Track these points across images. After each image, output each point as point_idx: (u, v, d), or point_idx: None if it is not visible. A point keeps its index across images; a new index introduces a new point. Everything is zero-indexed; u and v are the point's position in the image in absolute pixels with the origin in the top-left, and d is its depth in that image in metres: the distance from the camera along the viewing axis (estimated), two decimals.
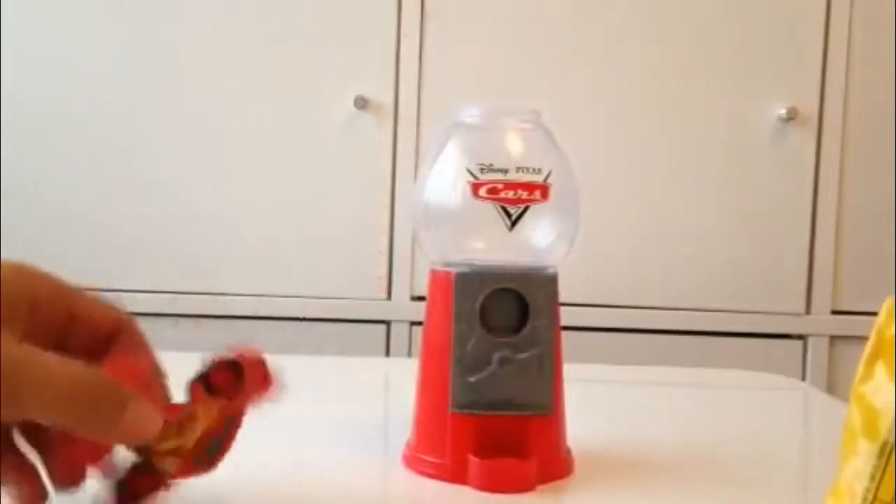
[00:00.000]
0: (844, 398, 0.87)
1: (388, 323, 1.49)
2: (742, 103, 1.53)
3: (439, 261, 0.56)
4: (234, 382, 0.43)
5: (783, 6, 1.53)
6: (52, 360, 0.37)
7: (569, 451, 0.57)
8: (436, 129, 0.59)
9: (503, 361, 0.52)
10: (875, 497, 0.36)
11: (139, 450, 0.41)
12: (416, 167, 1.47)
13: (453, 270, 0.54)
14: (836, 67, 1.53)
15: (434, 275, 0.56)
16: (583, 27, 1.52)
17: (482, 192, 0.53)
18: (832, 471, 0.39)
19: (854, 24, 1.52)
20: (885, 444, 0.35)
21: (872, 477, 0.36)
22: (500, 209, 0.53)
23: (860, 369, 0.39)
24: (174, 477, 0.42)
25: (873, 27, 1.53)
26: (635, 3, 1.52)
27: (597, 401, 0.78)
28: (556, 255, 0.55)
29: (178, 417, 0.41)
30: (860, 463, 0.37)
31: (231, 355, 0.43)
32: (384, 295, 1.49)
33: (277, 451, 0.60)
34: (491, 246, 0.55)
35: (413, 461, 0.56)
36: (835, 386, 1.53)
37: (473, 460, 0.52)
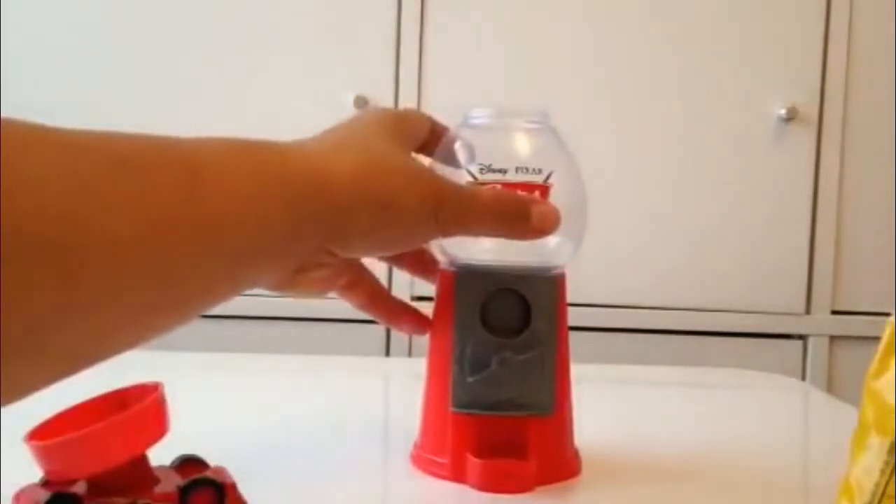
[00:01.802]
0: (844, 398, 0.87)
1: None
2: (742, 103, 1.53)
3: (445, 261, 0.56)
4: None
5: (783, 6, 1.53)
6: (471, 188, 0.49)
7: (576, 452, 0.57)
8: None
9: (502, 362, 0.52)
10: (884, 493, 0.36)
11: None
12: None
13: (455, 270, 0.54)
14: (836, 67, 1.52)
15: (441, 274, 0.56)
16: (583, 28, 1.52)
17: None
18: (832, 470, 0.39)
19: (854, 24, 1.52)
20: None
21: (882, 472, 0.36)
22: None
23: (874, 364, 0.39)
24: None
25: (873, 27, 1.53)
26: (636, 4, 1.52)
27: (597, 401, 0.77)
28: (560, 256, 0.55)
29: None
30: (870, 458, 0.36)
31: (212, 476, 0.43)
32: None
33: (277, 451, 0.60)
34: (491, 246, 0.55)
35: (420, 460, 0.56)
36: (835, 386, 1.53)
37: (472, 460, 0.52)
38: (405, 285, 1.48)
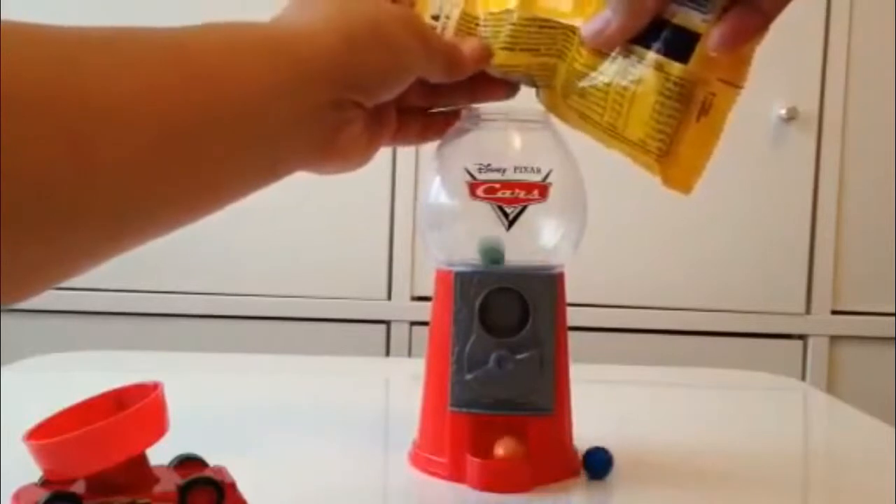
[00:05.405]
0: (844, 398, 0.87)
1: (388, 323, 1.49)
2: (742, 103, 1.52)
3: (444, 261, 0.56)
4: None
5: None
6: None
7: (576, 452, 0.57)
8: None
9: (501, 361, 0.52)
10: None
11: None
12: (417, 167, 1.47)
13: (454, 270, 0.54)
14: (836, 67, 1.52)
15: (439, 274, 0.56)
16: None
17: (479, 191, 0.53)
18: (832, 471, 0.39)
19: (854, 24, 1.52)
20: None
21: None
22: (497, 209, 0.53)
23: None
24: None
25: (873, 27, 1.53)
26: None
27: (597, 401, 0.77)
28: (558, 255, 0.55)
29: None
30: None
31: (212, 475, 0.43)
32: (384, 295, 1.49)
33: (277, 450, 0.60)
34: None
35: (418, 460, 0.56)
36: (835, 386, 1.53)
37: (471, 459, 0.52)
38: (405, 285, 1.49)
